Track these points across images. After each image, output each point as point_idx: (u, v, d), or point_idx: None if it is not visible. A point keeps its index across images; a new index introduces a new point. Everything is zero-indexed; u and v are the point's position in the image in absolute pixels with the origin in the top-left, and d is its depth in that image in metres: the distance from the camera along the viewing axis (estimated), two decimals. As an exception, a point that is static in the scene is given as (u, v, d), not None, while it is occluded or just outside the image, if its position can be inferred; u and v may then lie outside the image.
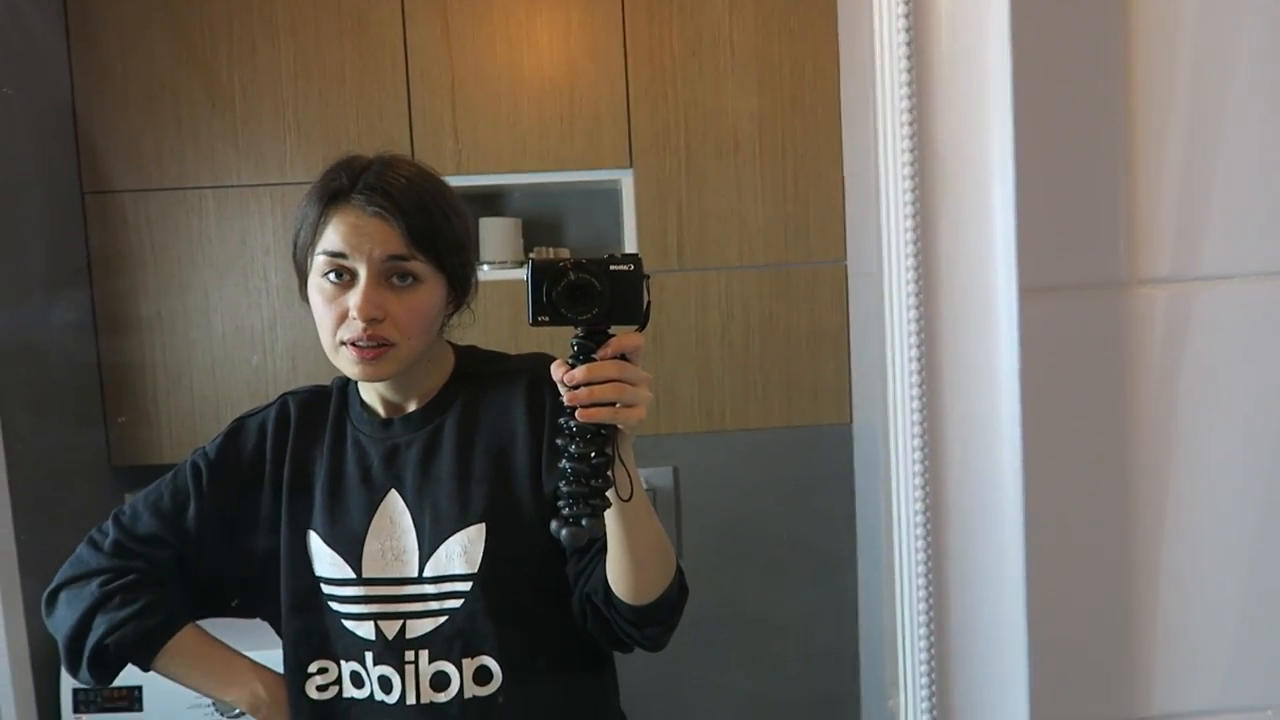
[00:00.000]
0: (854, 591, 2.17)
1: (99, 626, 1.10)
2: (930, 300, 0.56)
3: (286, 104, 2.05)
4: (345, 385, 1.20)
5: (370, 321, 1.03)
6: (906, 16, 0.51)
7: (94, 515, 2.03)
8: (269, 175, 2.06)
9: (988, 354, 0.56)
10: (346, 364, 1.06)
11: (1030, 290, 0.56)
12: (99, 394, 2.07)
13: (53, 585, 1.16)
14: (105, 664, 1.12)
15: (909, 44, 0.52)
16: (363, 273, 1.04)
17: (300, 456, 1.16)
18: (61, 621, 1.13)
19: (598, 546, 1.05)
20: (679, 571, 1.07)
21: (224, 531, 1.16)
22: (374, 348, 1.04)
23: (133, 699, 1.86)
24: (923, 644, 0.59)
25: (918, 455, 0.58)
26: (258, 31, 2.03)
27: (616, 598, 1.03)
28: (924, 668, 0.58)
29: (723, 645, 2.17)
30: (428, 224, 1.06)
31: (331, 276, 1.05)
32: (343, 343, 1.05)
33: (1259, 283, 0.62)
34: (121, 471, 2.13)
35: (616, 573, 1.01)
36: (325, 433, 1.16)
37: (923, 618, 0.58)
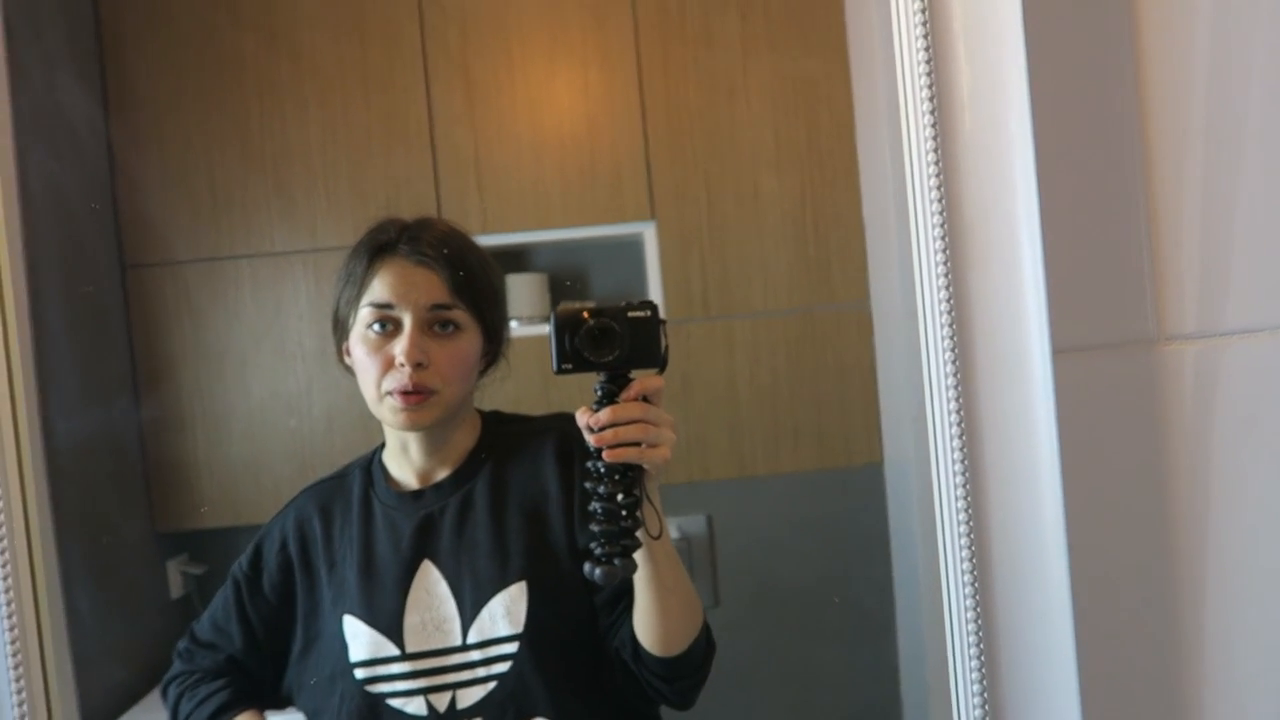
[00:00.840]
0: (893, 637, 2.15)
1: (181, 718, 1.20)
2: (967, 366, 0.58)
3: (317, 173, 2.11)
4: (368, 466, 1.22)
5: (416, 367, 1.07)
6: (931, 100, 0.54)
7: (136, 580, 2.07)
8: (301, 242, 2.12)
9: (1025, 412, 0.58)
10: (390, 413, 1.10)
11: (1063, 351, 0.57)
12: (141, 458, 2.12)
13: (161, 684, 1.28)
14: None
15: (934, 122, 0.55)
16: (408, 321, 1.08)
17: (329, 549, 1.17)
18: (167, 713, 1.24)
19: (625, 603, 1.06)
20: (706, 625, 1.08)
21: (266, 637, 1.20)
22: (417, 394, 1.07)
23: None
24: (976, 695, 0.60)
25: (962, 515, 0.59)
26: (287, 104, 2.10)
27: (644, 650, 1.04)
28: (978, 712, 0.59)
29: (760, 693, 2.16)
30: (468, 274, 1.11)
31: (376, 328, 1.09)
32: (388, 392, 1.08)
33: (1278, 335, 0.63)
34: (165, 537, 2.16)
35: (644, 623, 1.02)
36: (353, 515, 1.18)
37: (976, 674, 0.59)
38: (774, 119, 2.11)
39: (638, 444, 0.89)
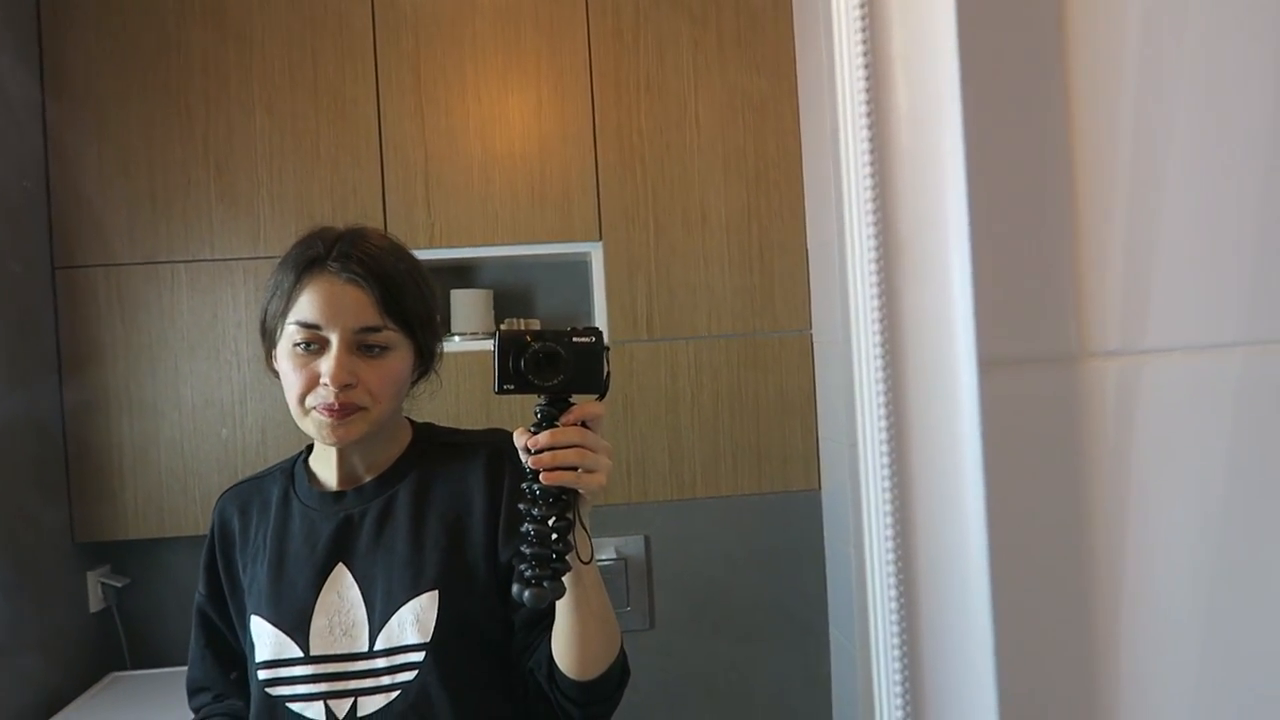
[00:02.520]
0: (826, 658, 2.17)
1: None
2: (897, 377, 0.60)
3: (261, 180, 2.08)
4: (291, 467, 1.20)
5: (343, 388, 1.05)
6: (869, 117, 0.56)
7: (58, 592, 2.00)
8: (242, 250, 2.09)
9: (952, 425, 0.60)
10: (315, 428, 1.08)
11: (988, 363, 0.59)
12: (64, 469, 2.05)
13: None
14: None
15: (870, 139, 0.57)
16: (335, 341, 1.06)
17: (244, 547, 1.16)
18: None
19: (543, 623, 1.06)
20: (622, 652, 1.08)
21: (221, 655, 1.20)
22: (343, 411, 1.06)
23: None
24: (899, 700, 0.61)
25: (889, 524, 0.60)
26: (234, 108, 2.07)
27: (560, 672, 1.04)
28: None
29: (695, 713, 2.15)
30: (399, 294, 1.09)
31: (302, 345, 1.06)
32: (312, 408, 1.06)
33: (1198, 355, 0.66)
34: (84, 547, 2.09)
35: (562, 645, 1.02)
36: (270, 514, 1.16)
37: (898, 675, 0.60)
38: (723, 146, 2.15)
39: (574, 469, 0.89)
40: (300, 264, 1.08)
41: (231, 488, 1.22)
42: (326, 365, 1.05)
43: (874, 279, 0.57)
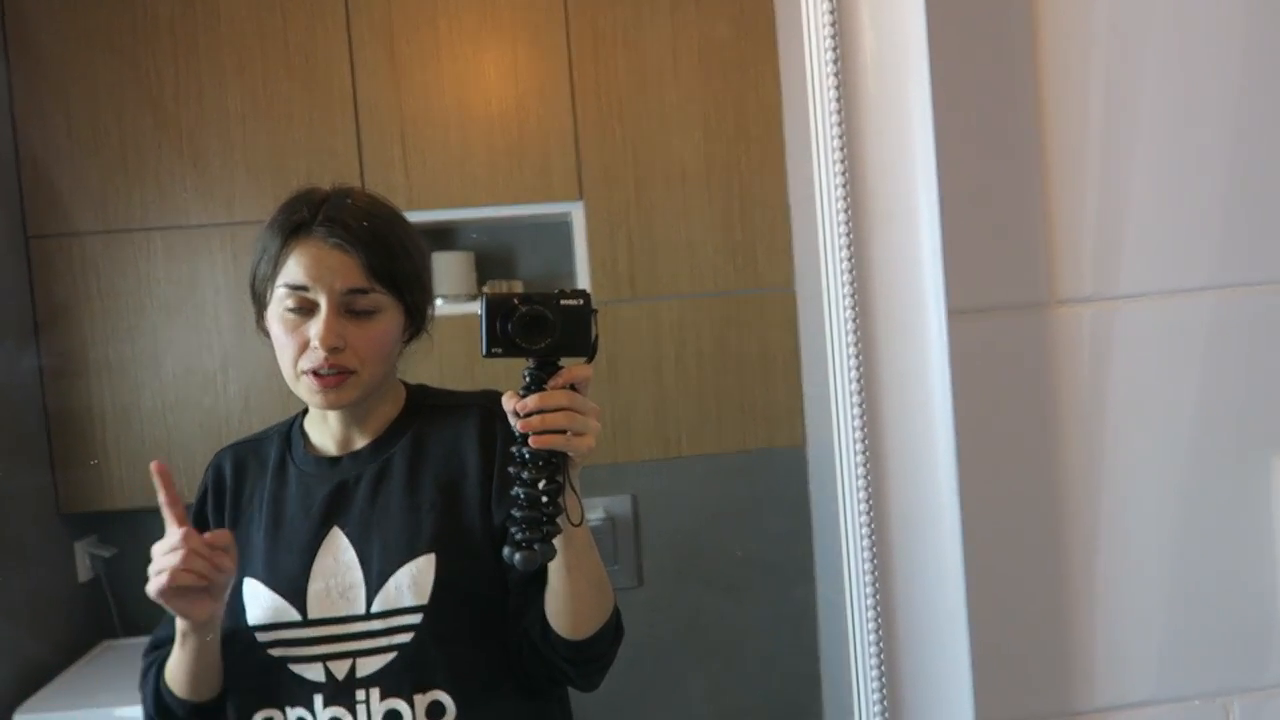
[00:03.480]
0: (813, 610, 2.20)
1: (145, 708, 1.14)
2: (867, 325, 0.60)
3: (235, 144, 2.05)
4: (288, 430, 1.20)
5: (332, 350, 1.05)
6: (835, 62, 0.55)
7: (42, 562, 2.00)
8: (218, 215, 2.06)
9: (922, 373, 0.60)
10: (307, 393, 1.08)
11: (958, 312, 0.59)
12: (45, 439, 2.04)
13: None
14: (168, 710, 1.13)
15: (838, 85, 0.56)
16: (324, 304, 1.06)
17: (236, 507, 1.16)
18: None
19: (537, 584, 1.06)
20: (616, 610, 1.09)
21: None
22: (335, 375, 1.06)
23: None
24: (872, 649, 0.62)
25: (861, 472, 0.61)
26: (205, 71, 2.03)
27: (553, 632, 1.05)
28: (874, 671, 0.61)
29: (685, 668, 2.18)
30: (387, 256, 1.08)
31: (292, 308, 1.06)
32: (304, 372, 1.07)
33: (1168, 299, 0.67)
34: (70, 518, 2.09)
35: (555, 606, 1.03)
36: (266, 477, 1.16)
37: (871, 624, 0.61)
38: (702, 103, 2.12)
39: (563, 431, 0.89)
40: (287, 228, 1.08)
41: (229, 446, 1.22)
42: (316, 328, 1.05)
43: (843, 226, 0.57)
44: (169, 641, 1.17)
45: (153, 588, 1.00)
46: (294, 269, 1.06)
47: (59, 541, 2.09)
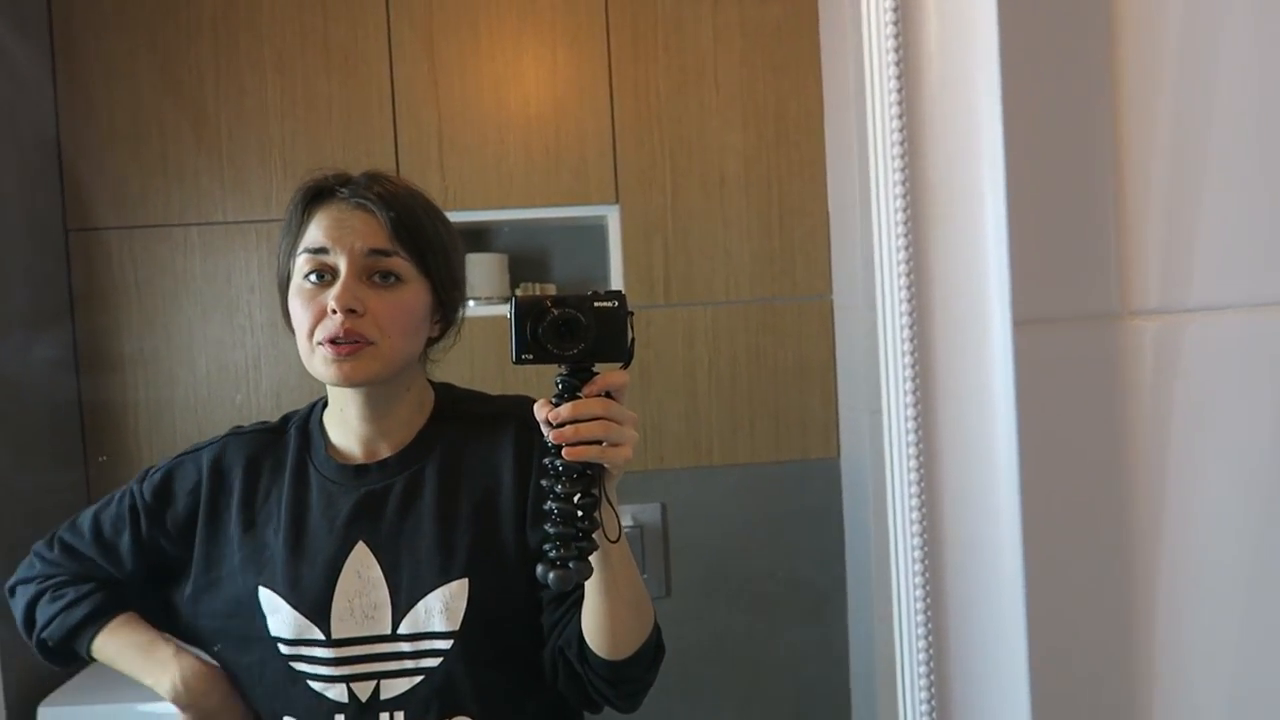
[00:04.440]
0: (844, 627, 2.15)
1: (38, 622, 1.13)
2: (924, 334, 0.56)
3: (273, 141, 2.05)
4: (305, 424, 1.14)
5: (348, 313, 0.99)
6: (897, 51, 0.52)
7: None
8: (255, 212, 2.06)
9: (983, 386, 0.56)
10: (322, 365, 1.01)
11: (1023, 322, 0.56)
12: (79, 433, 2.05)
13: (10, 581, 1.19)
14: (53, 652, 1.14)
15: (899, 80, 0.53)
16: (343, 266, 1.01)
17: (248, 504, 1.09)
18: (16, 614, 1.17)
19: (573, 599, 1.01)
20: (656, 628, 1.03)
21: (158, 565, 1.13)
22: (351, 344, 0.99)
23: None
24: (923, 683, 0.58)
25: (914, 490, 0.57)
26: (245, 68, 2.04)
27: (591, 652, 0.99)
28: (925, 707, 0.57)
29: (712, 683, 2.14)
30: (412, 221, 1.04)
31: (312, 277, 1.02)
32: (319, 343, 1.00)
33: (1245, 314, 0.62)
34: (101, 512, 2.09)
35: (593, 625, 0.97)
36: (284, 479, 1.09)
37: (922, 655, 0.57)
38: (742, 107, 2.09)
39: (599, 442, 0.84)
40: (309, 195, 1.05)
41: (244, 432, 1.15)
42: (333, 291, 1.00)
43: (901, 229, 0.53)
44: (83, 559, 1.14)
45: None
46: (314, 232, 1.02)
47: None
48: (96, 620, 1.11)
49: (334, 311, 1.00)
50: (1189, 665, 0.62)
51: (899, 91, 0.53)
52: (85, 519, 1.16)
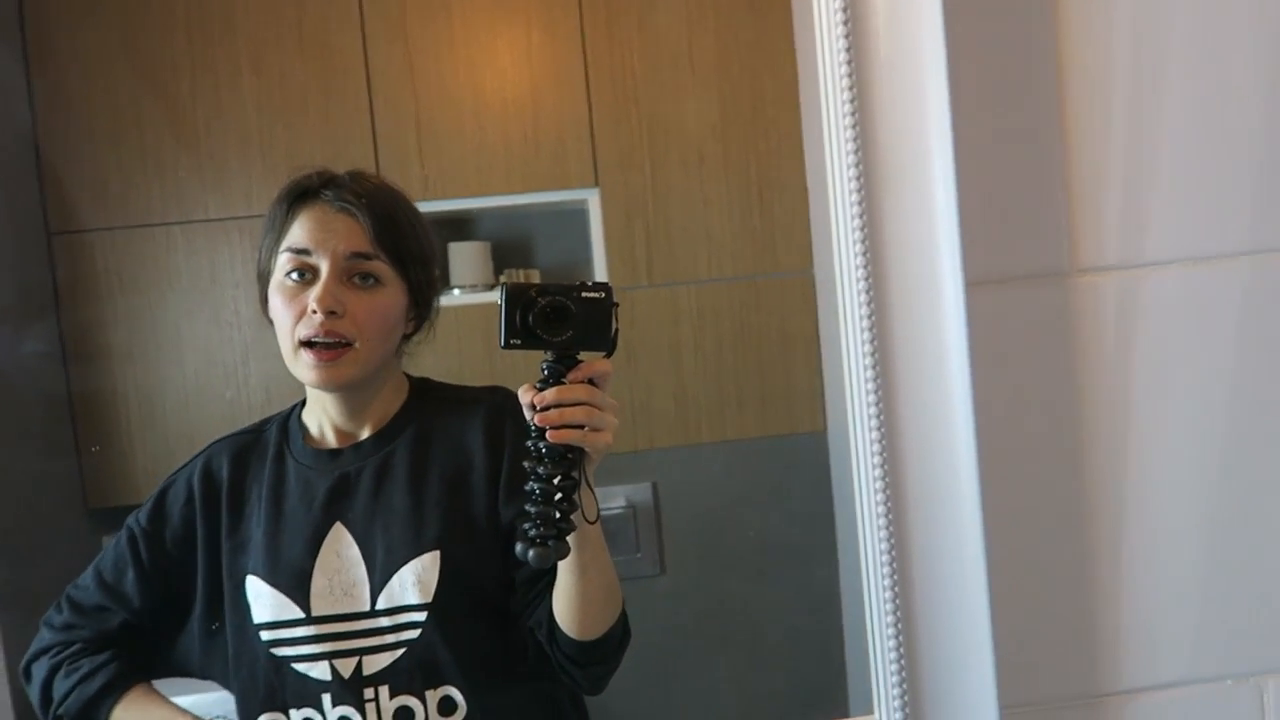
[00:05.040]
0: (836, 595, 2.18)
1: (55, 698, 1.12)
2: (880, 297, 0.58)
3: (252, 136, 2.05)
4: (285, 422, 1.18)
5: (329, 315, 1.03)
6: (845, 24, 0.53)
7: (75, 556, 2.01)
8: (236, 209, 2.06)
9: (939, 348, 0.58)
10: (305, 369, 1.06)
11: (976, 283, 0.57)
12: (71, 434, 2.05)
13: (24, 660, 1.19)
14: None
15: (848, 50, 0.54)
16: (325, 268, 1.04)
17: (236, 504, 1.13)
18: (32, 694, 1.16)
19: (545, 581, 1.04)
20: (624, 614, 1.07)
21: (166, 594, 1.15)
22: (332, 348, 1.04)
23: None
24: (890, 631, 0.60)
25: (876, 449, 0.59)
26: (220, 63, 2.03)
27: (561, 632, 1.02)
28: (893, 654, 0.59)
29: (708, 655, 2.17)
30: (392, 226, 1.07)
31: (294, 275, 1.05)
32: (302, 343, 1.05)
33: (1201, 266, 0.64)
34: (97, 513, 2.11)
35: (564, 606, 1.01)
36: (265, 471, 1.13)
37: (889, 605, 0.59)
38: (718, 86, 2.10)
39: (581, 427, 0.87)
40: (293, 195, 1.08)
41: (227, 437, 1.19)
42: (315, 293, 1.03)
43: (855, 195, 0.55)
44: (98, 613, 1.14)
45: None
46: (297, 232, 1.05)
47: (87, 536, 2.11)
48: (114, 691, 1.12)
49: (314, 312, 1.03)
50: (1152, 618, 0.64)
51: (848, 65, 0.54)
52: (88, 572, 1.18)
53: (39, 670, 1.15)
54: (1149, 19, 0.63)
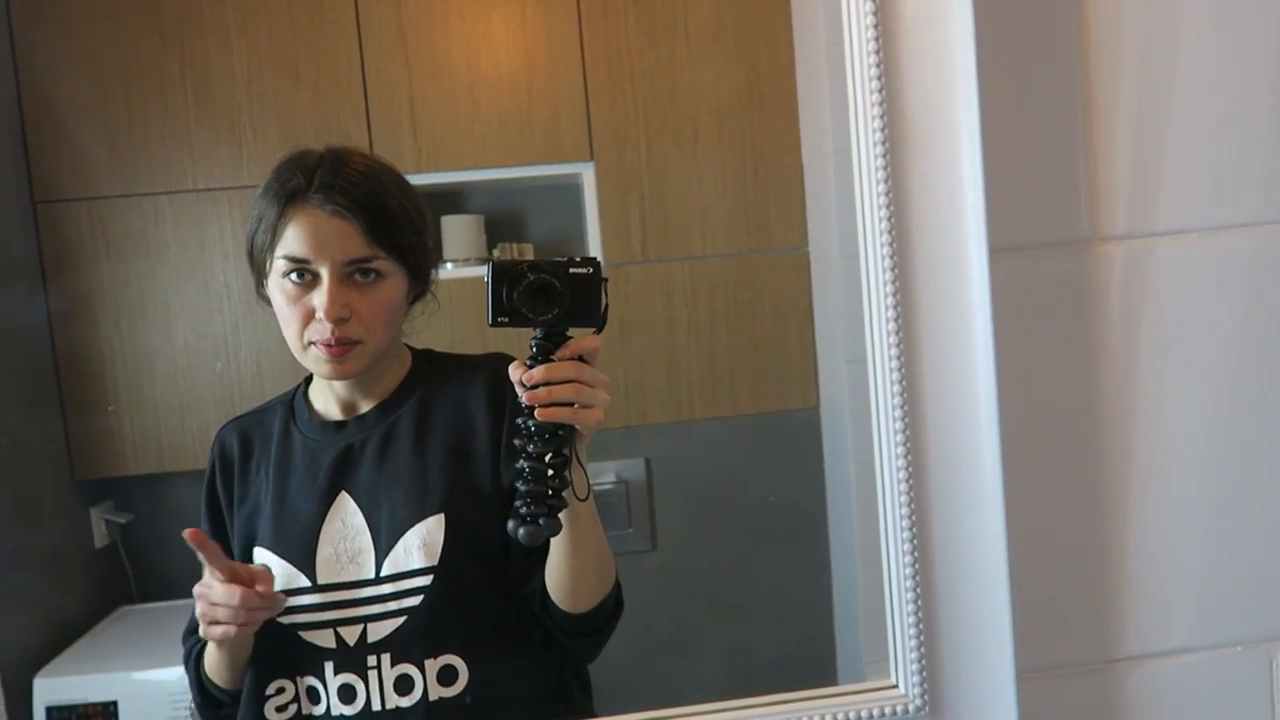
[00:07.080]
0: (827, 569, 2.20)
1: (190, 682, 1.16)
2: (904, 264, 0.58)
3: (241, 107, 2.02)
4: (291, 399, 1.20)
5: (338, 322, 1.05)
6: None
7: (62, 530, 2.00)
8: (225, 179, 2.04)
9: (962, 314, 0.58)
10: (315, 364, 1.09)
11: (999, 250, 0.58)
12: (59, 409, 2.04)
13: (184, 643, 1.21)
14: (209, 696, 1.14)
15: (875, 14, 0.54)
16: (325, 274, 1.05)
17: (245, 478, 1.16)
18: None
19: (539, 552, 1.06)
20: (617, 585, 1.09)
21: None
22: (342, 346, 1.06)
23: (108, 714, 1.83)
24: (909, 595, 0.61)
25: (899, 415, 0.59)
26: (209, 32, 2.00)
27: (553, 604, 1.05)
28: (912, 619, 0.60)
29: (699, 629, 2.19)
30: (387, 220, 1.08)
31: (294, 276, 1.06)
32: (311, 343, 1.07)
33: (1210, 236, 0.65)
34: (85, 485, 2.09)
35: (556, 579, 1.03)
36: (271, 447, 1.16)
37: (909, 570, 0.60)
38: (714, 61, 2.09)
39: (571, 404, 0.88)
40: (282, 197, 1.07)
41: (235, 419, 1.22)
42: (320, 299, 1.05)
43: (880, 160, 0.55)
44: None
45: (215, 633, 0.99)
46: (292, 240, 1.05)
47: (75, 508, 2.10)
48: (196, 651, 1.14)
49: (322, 320, 1.06)
50: (1163, 583, 0.65)
51: (875, 31, 0.54)
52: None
53: (184, 658, 1.18)
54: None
